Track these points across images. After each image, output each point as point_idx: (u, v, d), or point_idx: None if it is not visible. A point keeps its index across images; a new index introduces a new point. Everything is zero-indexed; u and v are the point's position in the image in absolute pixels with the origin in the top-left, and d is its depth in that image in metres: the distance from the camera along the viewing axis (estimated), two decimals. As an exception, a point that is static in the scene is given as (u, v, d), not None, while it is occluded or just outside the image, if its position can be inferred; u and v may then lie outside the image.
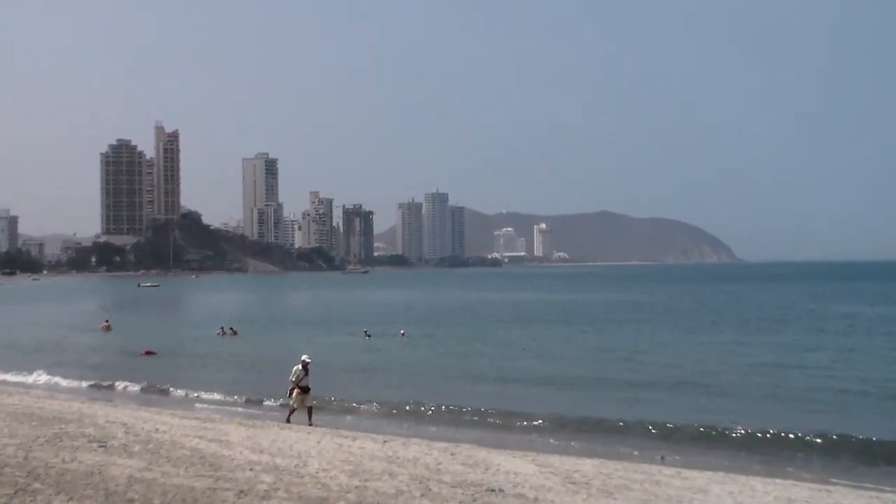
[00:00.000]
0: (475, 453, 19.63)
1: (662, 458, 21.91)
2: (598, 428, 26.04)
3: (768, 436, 24.19)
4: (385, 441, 21.14)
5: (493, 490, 15.25)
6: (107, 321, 69.55)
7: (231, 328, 61.95)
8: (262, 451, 18.20)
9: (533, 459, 19.31)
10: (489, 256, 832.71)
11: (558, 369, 40.91)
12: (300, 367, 24.95)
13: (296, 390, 24.87)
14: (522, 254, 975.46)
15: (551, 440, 24.40)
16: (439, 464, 17.73)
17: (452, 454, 19.28)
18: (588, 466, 18.77)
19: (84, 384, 37.19)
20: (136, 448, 17.77)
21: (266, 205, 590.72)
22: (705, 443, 24.12)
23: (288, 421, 24.92)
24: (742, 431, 24.75)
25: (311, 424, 24.43)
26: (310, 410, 24.98)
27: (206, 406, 30.62)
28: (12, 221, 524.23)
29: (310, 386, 25.21)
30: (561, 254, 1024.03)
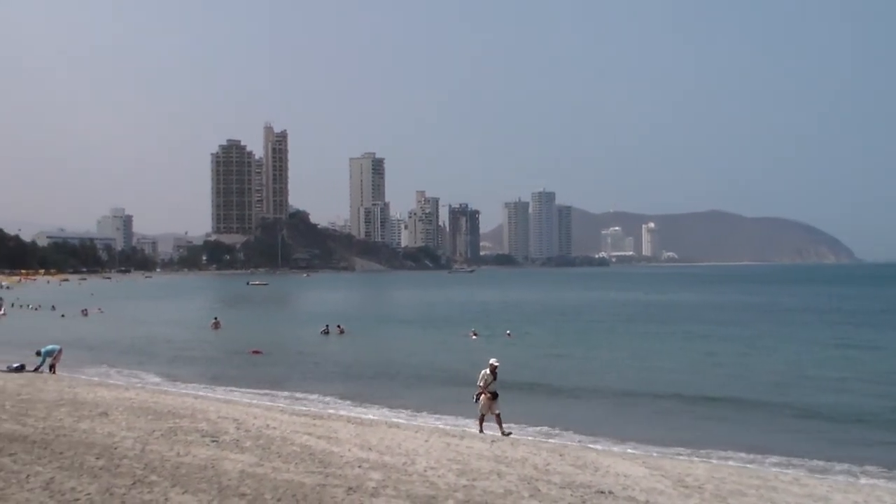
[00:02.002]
0: (584, 454, 19.35)
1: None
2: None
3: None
4: (493, 440, 21.01)
5: (602, 492, 14.97)
6: (216, 319, 71.09)
7: (338, 326, 62.62)
8: (370, 449, 18.25)
9: (643, 462, 18.92)
10: (596, 256, 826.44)
11: (650, 380, 40.08)
12: (488, 370, 23.17)
13: (483, 395, 23.04)
14: (630, 253, 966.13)
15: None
16: (548, 464, 17.51)
17: (561, 455, 19.03)
18: (700, 470, 18.29)
19: (196, 380, 38.06)
20: (248, 443, 18.02)
21: (373, 204, 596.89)
22: (826, 445, 23.24)
23: (480, 431, 23.14)
24: (860, 436, 23.85)
25: (503, 433, 22.71)
26: (498, 418, 23.04)
27: (314, 403, 30.91)
28: (127, 221, 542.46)
29: (498, 391, 23.20)
30: (670, 253, 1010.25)
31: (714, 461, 20.56)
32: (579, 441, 23.27)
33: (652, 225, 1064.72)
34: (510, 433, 22.90)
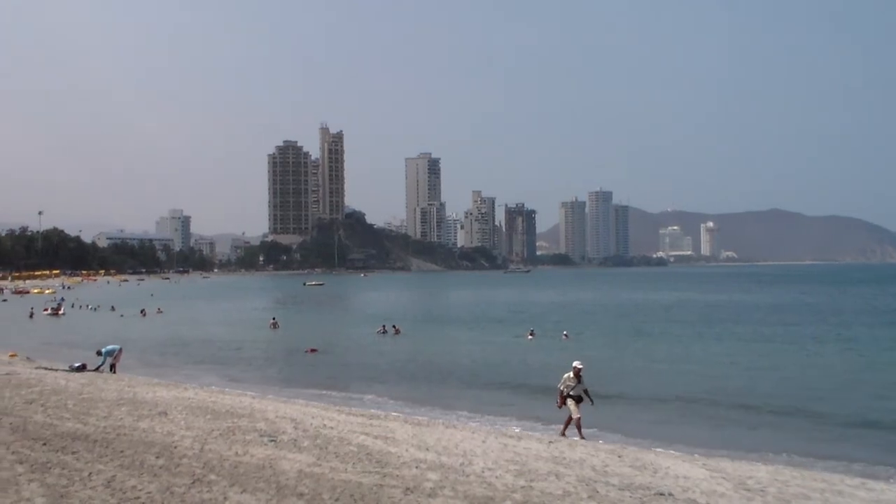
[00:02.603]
0: (643, 456, 19.11)
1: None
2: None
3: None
4: (550, 442, 20.85)
5: (662, 494, 14.75)
6: (273, 319, 71.83)
7: (394, 326, 62.81)
8: (427, 449, 18.20)
9: (704, 464, 18.62)
10: (654, 256, 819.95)
11: (706, 382, 39.51)
12: (571, 374, 22.63)
13: (568, 399, 22.42)
14: (689, 253, 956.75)
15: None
16: (606, 465, 17.32)
17: (620, 456, 18.82)
18: (763, 472, 17.94)
19: (254, 380, 38.39)
20: (305, 443, 18.08)
21: (429, 204, 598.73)
22: (889, 452, 22.69)
23: (580, 436, 22.36)
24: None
25: (580, 437, 22.26)
26: (577, 422, 22.47)
27: (370, 403, 30.98)
28: (185, 222, 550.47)
29: (583, 395, 22.76)
30: (729, 253, 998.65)
31: (776, 466, 20.17)
32: (637, 443, 23.00)
33: (711, 224, 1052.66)
34: (566, 437, 22.51)
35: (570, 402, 22.42)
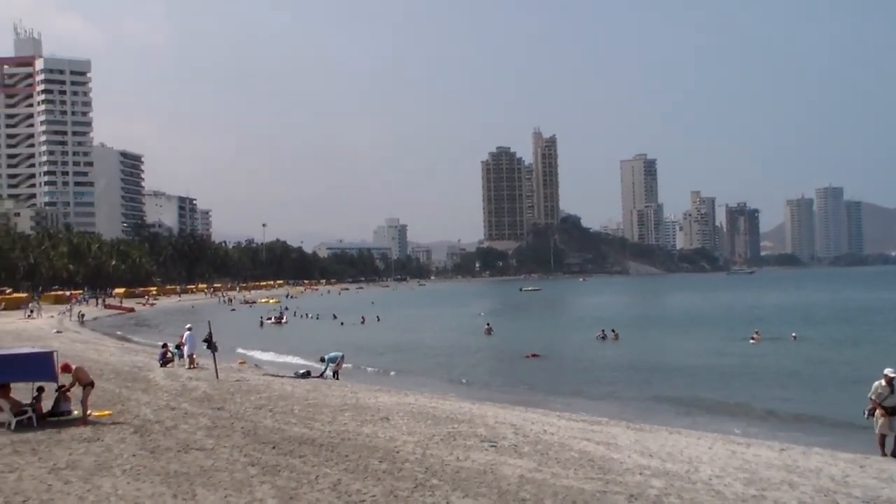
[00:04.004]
0: (889, 466, 17.65)
1: None
2: None
3: None
4: (782, 449, 19.76)
5: (913, 510, 13.61)
6: (488, 324, 72.45)
7: (613, 331, 61.90)
8: (651, 456, 17.69)
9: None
10: (893, 254, 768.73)
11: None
12: (882, 381, 19.83)
13: (878, 412, 19.77)
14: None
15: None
16: (846, 476, 16.18)
17: (861, 466, 17.54)
18: None
19: (472, 385, 38.68)
20: (526, 448, 17.96)
21: (646, 206, 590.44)
22: None
23: (883, 453, 19.57)
24: None
25: (883, 455, 19.66)
26: (880, 439, 19.84)
27: (590, 408, 30.51)
28: (402, 230, 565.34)
29: None
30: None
31: None
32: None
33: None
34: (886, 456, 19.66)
35: (878, 415, 19.71)
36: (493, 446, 18.11)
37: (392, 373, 44.05)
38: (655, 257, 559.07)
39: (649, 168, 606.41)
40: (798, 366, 42.97)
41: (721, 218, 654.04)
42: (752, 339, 56.11)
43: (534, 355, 49.78)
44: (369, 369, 45.10)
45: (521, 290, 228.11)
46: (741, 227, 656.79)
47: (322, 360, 37.89)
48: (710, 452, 18.67)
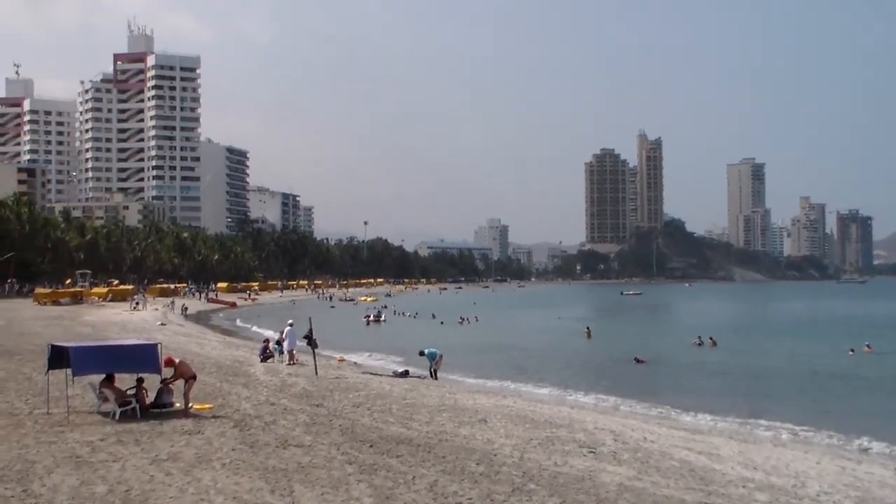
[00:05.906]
0: None
1: None
2: None
3: None
4: None
5: None
6: (588, 328, 71.70)
7: (710, 338, 60.52)
8: (755, 468, 17.21)
9: None
10: None
11: None
12: None
13: None
14: None
15: None
16: (968, 499, 15.43)
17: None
18: None
19: (571, 389, 38.09)
20: (625, 456, 17.67)
21: (752, 211, 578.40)
22: None
23: None
24: None
25: None
26: None
27: (690, 416, 29.82)
28: (503, 231, 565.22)
29: None
30: None
31: None
32: None
33: None
34: None
35: None
36: (591, 452, 17.86)
37: (490, 374, 43.76)
38: (761, 264, 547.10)
39: (757, 172, 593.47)
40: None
41: (831, 225, 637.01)
42: (861, 349, 54.11)
43: (639, 360, 48.94)
44: (467, 369, 44.94)
45: (622, 293, 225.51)
46: (853, 234, 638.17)
47: (421, 353, 38.02)
48: (818, 468, 18.08)
